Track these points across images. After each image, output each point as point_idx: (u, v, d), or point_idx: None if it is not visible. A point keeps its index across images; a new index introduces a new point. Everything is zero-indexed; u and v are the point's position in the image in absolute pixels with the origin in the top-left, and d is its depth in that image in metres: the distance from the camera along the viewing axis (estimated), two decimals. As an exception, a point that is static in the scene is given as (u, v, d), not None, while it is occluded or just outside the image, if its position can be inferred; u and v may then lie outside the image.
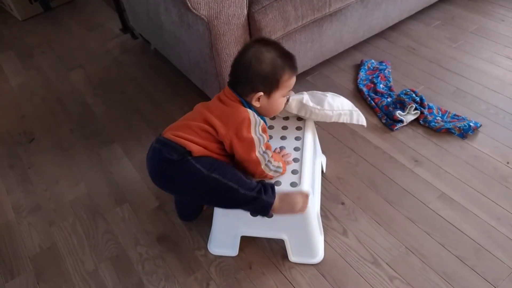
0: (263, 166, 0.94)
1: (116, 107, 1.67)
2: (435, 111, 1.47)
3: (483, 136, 1.37)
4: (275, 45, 0.95)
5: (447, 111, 1.47)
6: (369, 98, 1.54)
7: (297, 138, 1.09)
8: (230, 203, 0.96)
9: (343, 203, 1.21)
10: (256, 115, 0.93)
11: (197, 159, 0.91)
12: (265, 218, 0.99)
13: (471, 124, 1.38)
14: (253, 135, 0.91)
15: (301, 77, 1.68)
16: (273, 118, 1.15)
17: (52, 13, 2.43)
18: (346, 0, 1.47)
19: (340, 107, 1.11)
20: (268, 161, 0.95)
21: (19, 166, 1.46)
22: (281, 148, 1.07)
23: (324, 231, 1.14)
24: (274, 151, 1.03)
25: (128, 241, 1.18)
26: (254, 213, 0.98)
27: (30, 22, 2.36)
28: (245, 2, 1.24)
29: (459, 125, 1.38)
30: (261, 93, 0.93)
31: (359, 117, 1.13)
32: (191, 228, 1.19)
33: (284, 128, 1.13)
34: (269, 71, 0.92)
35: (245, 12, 1.26)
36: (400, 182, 1.25)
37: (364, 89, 1.59)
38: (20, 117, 1.68)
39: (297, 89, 1.61)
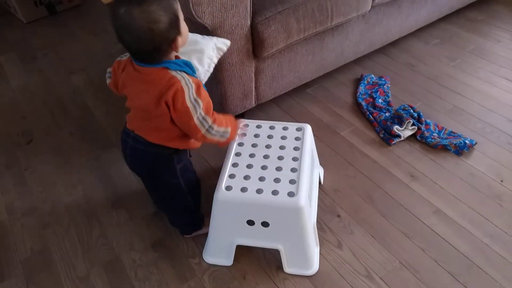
0: (203, 132, 0.92)
1: (117, 111, 1.67)
2: (432, 128, 1.48)
3: (478, 154, 1.38)
4: None
5: (443, 127, 1.48)
6: (368, 112, 1.56)
7: (295, 148, 1.10)
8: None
9: (339, 216, 1.22)
10: (187, 80, 0.87)
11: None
12: (262, 228, 1.00)
13: (466, 141, 1.39)
14: (188, 104, 0.87)
15: (301, 89, 1.70)
16: (272, 128, 1.16)
17: (57, 17, 2.45)
18: (348, 14, 1.49)
19: (208, 62, 1.07)
20: (209, 127, 0.92)
21: (16, 167, 1.46)
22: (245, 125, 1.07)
23: (319, 243, 1.14)
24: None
25: (122, 246, 1.18)
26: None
27: (35, 25, 2.38)
28: (249, 13, 1.26)
29: (455, 142, 1.40)
30: (177, 38, 0.86)
31: (222, 44, 1.09)
32: (186, 235, 1.19)
33: (283, 137, 1.14)
34: (169, 18, 0.83)
35: (249, 22, 1.28)
36: (396, 197, 1.26)
37: (363, 103, 1.61)
38: (19, 118, 1.69)
39: (297, 101, 1.64)
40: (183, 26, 0.89)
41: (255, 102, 1.51)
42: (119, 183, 1.37)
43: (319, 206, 1.24)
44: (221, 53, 1.12)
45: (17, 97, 1.81)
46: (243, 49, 1.32)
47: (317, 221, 1.19)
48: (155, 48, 0.86)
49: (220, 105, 1.44)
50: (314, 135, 1.36)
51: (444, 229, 1.17)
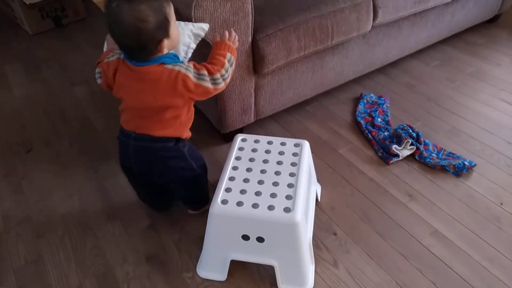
0: (223, 86, 1.00)
1: (117, 124, 1.67)
2: (430, 148, 1.48)
3: (477, 176, 1.38)
4: None
5: (442, 148, 1.48)
6: (367, 131, 1.56)
7: (293, 164, 1.10)
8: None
9: (335, 234, 1.21)
10: (184, 66, 0.95)
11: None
12: (257, 244, 0.99)
13: (465, 162, 1.39)
14: (197, 82, 0.95)
15: (300, 106, 1.71)
16: (270, 143, 1.17)
17: (63, 29, 2.49)
18: (348, 34, 1.51)
19: (185, 49, 1.08)
20: (221, 77, 0.99)
21: (14, 176, 1.46)
22: (228, 33, 1.07)
23: (315, 261, 1.13)
24: (223, 36, 1.05)
25: (116, 258, 1.17)
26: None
27: (40, 37, 2.41)
28: (251, 29, 1.28)
29: (454, 163, 1.39)
30: (163, 38, 0.91)
31: (199, 30, 1.10)
32: (180, 249, 1.18)
33: (281, 153, 1.14)
34: (157, 20, 0.87)
35: (250, 39, 1.30)
36: (393, 216, 1.25)
37: (362, 122, 1.61)
38: (20, 127, 1.70)
39: (296, 117, 1.65)
40: (173, 30, 0.93)
41: (254, 117, 1.52)
42: (115, 195, 1.36)
43: (315, 223, 1.23)
44: (199, 39, 1.11)
45: (19, 107, 1.82)
46: (244, 64, 1.33)
47: (313, 238, 1.18)
48: (140, 46, 0.90)
49: (219, 119, 1.44)
50: (312, 152, 1.36)
51: (442, 250, 1.15)
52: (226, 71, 1.01)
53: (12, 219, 1.30)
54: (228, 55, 1.03)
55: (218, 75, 0.99)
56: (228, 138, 1.52)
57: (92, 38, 2.37)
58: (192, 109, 1.06)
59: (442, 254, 1.14)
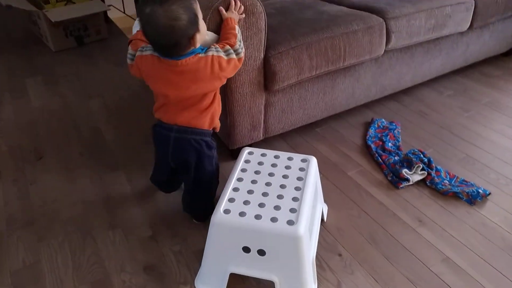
0: (238, 58, 1.07)
1: (127, 137, 1.70)
2: (443, 174, 1.44)
3: (492, 205, 1.33)
4: None
5: (455, 175, 1.44)
6: (377, 155, 1.54)
7: (299, 178, 1.08)
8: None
9: (340, 255, 1.16)
10: (213, 49, 1.03)
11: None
12: (258, 257, 0.97)
13: (480, 190, 1.34)
14: (226, 58, 1.04)
15: (310, 128, 1.70)
16: (277, 157, 1.15)
17: (84, 48, 2.58)
18: (360, 56, 1.52)
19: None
20: (241, 49, 1.08)
21: (22, 181, 1.47)
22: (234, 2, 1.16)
23: (317, 281, 1.08)
24: (230, 5, 1.16)
25: (113, 266, 1.14)
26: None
27: (62, 54, 2.50)
28: (263, 46, 1.30)
29: (467, 190, 1.35)
30: (196, 34, 0.97)
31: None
32: (180, 261, 1.15)
33: (287, 167, 1.12)
34: (188, 17, 0.93)
35: (262, 55, 1.32)
36: (401, 240, 1.20)
37: (372, 146, 1.59)
38: (34, 136, 1.72)
39: (305, 139, 1.64)
40: (202, 24, 1.00)
41: (263, 135, 1.52)
42: (119, 204, 1.35)
43: (320, 243, 1.19)
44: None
45: (35, 116, 1.86)
46: (255, 80, 1.34)
47: (317, 258, 1.14)
48: (176, 43, 0.96)
49: (228, 134, 1.44)
50: (320, 172, 1.35)
51: (453, 279, 1.09)
52: (240, 42, 1.10)
53: (16, 222, 1.29)
54: (237, 27, 1.13)
55: (237, 46, 1.08)
56: (236, 154, 1.50)
57: (110, 56, 2.45)
58: (219, 96, 1.13)
59: (453, 283, 1.08)
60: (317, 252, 1.15)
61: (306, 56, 1.38)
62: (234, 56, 1.06)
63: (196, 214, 1.27)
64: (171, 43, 0.95)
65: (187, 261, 1.15)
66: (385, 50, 1.61)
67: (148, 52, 1.03)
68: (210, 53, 1.02)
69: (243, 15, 1.20)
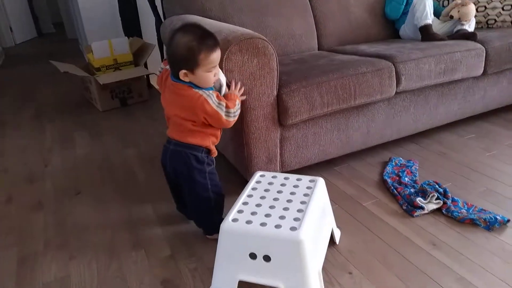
0: (231, 120, 1.21)
1: (158, 178, 1.84)
2: (460, 204, 1.44)
3: (511, 231, 1.30)
4: (192, 29, 1.12)
5: (473, 205, 1.43)
6: (392, 187, 1.57)
7: (305, 195, 1.15)
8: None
9: (350, 273, 1.17)
10: (207, 92, 1.15)
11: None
12: (264, 263, 1.02)
13: (498, 217, 1.33)
14: (214, 108, 1.16)
15: (328, 166, 1.78)
16: (286, 179, 1.23)
17: (128, 108, 2.89)
18: (371, 96, 1.63)
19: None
20: (234, 113, 1.21)
21: (61, 212, 1.62)
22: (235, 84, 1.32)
23: (326, 297, 1.09)
24: (232, 85, 1.30)
25: (133, 280, 1.21)
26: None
27: (108, 113, 2.80)
28: (275, 84, 1.45)
29: (484, 217, 1.33)
30: (184, 71, 1.12)
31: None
32: (195, 276, 1.20)
33: (295, 186, 1.19)
34: (185, 54, 1.10)
35: (275, 92, 1.46)
36: (415, 262, 1.20)
37: (389, 180, 1.62)
38: (75, 177, 1.91)
39: (322, 175, 1.70)
40: (200, 73, 1.14)
41: (280, 169, 1.60)
42: (144, 231, 1.45)
43: (330, 262, 1.21)
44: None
45: (78, 162, 2.07)
46: (269, 115, 1.48)
47: (326, 275, 1.15)
48: (171, 65, 1.17)
49: (246, 166, 1.55)
50: (336, 203, 1.42)
51: (469, 300, 1.06)
52: (236, 110, 1.23)
53: (52, 244, 1.42)
54: (237, 101, 1.26)
55: (231, 110, 1.21)
56: (255, 187, 1.59)
57: (149, 113, 2.71)
58: (214, 129, 1.26)
59: (469, 303, 1.05)
60: (327, 270, 1.17)
61: (317, 94, 1.51)
62: (223, 113, 1.18)
63: (203, 228, 1.37)
64: (170, 62, 1.16)
65: (202, 277, 1.20)
66: (396, 92, 1.71)
67: (168, 67, 1.22)
68: (201, 92, 1.15)
69: (245, 97, 1.36)
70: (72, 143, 2.33)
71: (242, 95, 1.33)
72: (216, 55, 1.14)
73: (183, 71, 1.13)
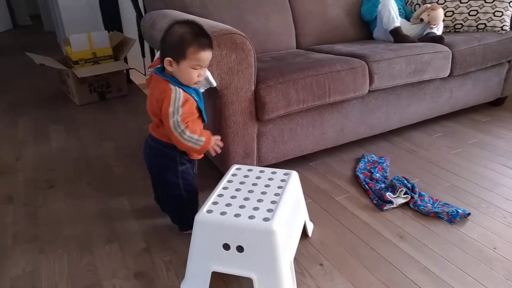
0: (176, 135, 1.13)
1: (135, 171, 1.84)
2: (426, 199, 1.51)
3: (471, 224, 1.37)
4: (192, 25, 1.12)
5: (438, 199, 1.50)
6: (364, 183, 1.62)
7: (279, 187, 1.18)
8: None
9: (321, 264, 1.21)
10: (178, 92, 1.11)
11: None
12: (237, 254, 1.04)
13: (459, 211, 1.40)
14: (169, 109, 1.11)
15: (303, 162, 1.82)
16: (262, 172, 1.26)
17: (106, 102, 2.85)
18: (345, 94, 1.68)
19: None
20: (182, 131, 1.12)
21: (32, 205, 1.60)
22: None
23: (297, 286, 1.12)
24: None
25: (105, 273, 1.21)
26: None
27: (85, 107, 2.76)
28: (253, 79, 1.48)
29: (447, 211, 1.40)
30: (170, 59, 1.11)
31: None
32: (170, 269, 1.22)
33: (270, 179, 1.22)
34: (176, 42, 1.09)
35: (253, 87, 1.49)
36: (382, 253, 1.25)
37: (361, 176, 1.68)
38: (49, 170, 1.89)
39: (297, 170, 1.73)
40: (184, 66, 1.12)
41: (256, 163, 1.63)
42: (119, 224, 1.45)
43: (302, 254, 1.24)
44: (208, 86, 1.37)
45: (53, 155, 2.04)
46: (247, 110, 1.50)
47: (298, 267, 1.19)
48: (162, 49, 1.14)
49: (223, 161, 1.57)
50: (310, 197, 1.46)
51: (430, 286, 1.12)
52: (188, 138, 1.14)
53: (21, 238, 1.40)
54: (202, 138, 1.17)
55: (182, 128, 1.12)
56: (231, 181, 1.62)
57: (129, 108, 2.69)
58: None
59: (431, 291, 1.11)
60: (298, 261, 1.20)
61: (293, 90, 1.54)
62: (173, 119, 1.11)
63: (177, 224, 1.38)
64: (161, 48, 1.15)
65: (176, 270, 1.22)
66: (370, 90, 1.77)
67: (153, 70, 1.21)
68: (172, 88, 1.11)
69: (218, 150, 1.28)
70: (47, 137, 2.29)
71: (217, 145, 1.27)
72: (206, 54, 1.12)
73: (169, 58, 1.12)
